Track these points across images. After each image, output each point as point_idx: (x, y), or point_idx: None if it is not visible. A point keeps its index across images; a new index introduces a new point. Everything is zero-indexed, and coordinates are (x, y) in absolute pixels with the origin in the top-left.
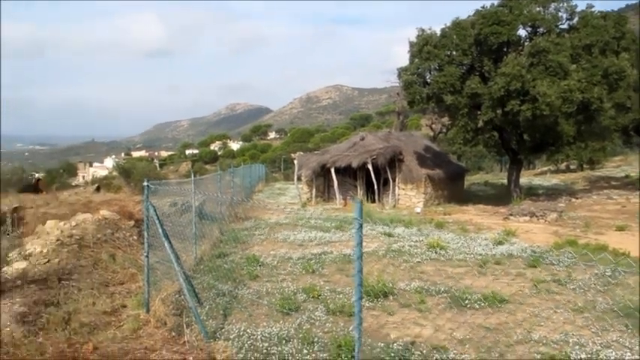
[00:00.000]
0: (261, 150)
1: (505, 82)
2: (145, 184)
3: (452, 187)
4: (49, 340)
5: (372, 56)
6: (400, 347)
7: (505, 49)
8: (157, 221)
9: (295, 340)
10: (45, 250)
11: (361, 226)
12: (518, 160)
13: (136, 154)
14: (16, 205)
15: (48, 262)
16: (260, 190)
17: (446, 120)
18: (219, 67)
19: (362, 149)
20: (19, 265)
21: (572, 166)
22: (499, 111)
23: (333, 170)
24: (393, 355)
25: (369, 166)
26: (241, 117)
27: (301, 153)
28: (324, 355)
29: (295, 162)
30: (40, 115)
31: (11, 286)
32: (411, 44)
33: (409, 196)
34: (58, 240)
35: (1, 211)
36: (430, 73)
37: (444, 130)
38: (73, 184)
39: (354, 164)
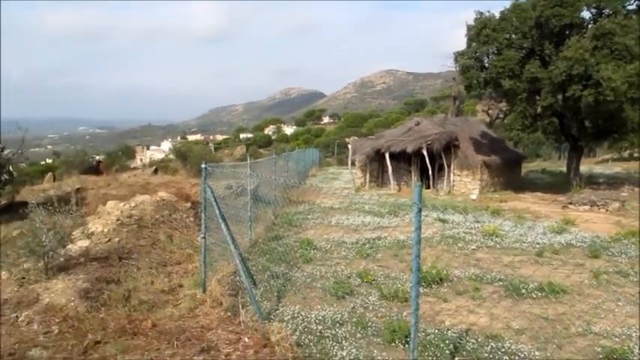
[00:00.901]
0: (315, 134)
1: (567, 67)
2: (203, 166)
3: (508, 174)
4: (111, 315)
5: (428, 40)
6: (455, 335)
7: (567, 32)
8: (214, 203)
9: (349, 324)
10: (106, 230)
11: (420, 210)
12: (578, 147)
13: (191, 137)
14: (79, 186)
15: (109, 241)
16: (313, 174)
17: (503, 105)
18: (273, 51)
19: (417, 134)
20: (82, 244)
21: (635, 154)
22: (560, 96)
23: (387, 155)
24: (447, 342)
25: (424, 152)
26: (295, 101)
27: (355, 138)
28: (378, 339)
29: (349, 147)
30: (100, 99)
31: (75, 263)
32: (469, 27)
33: (464, 183)
34: (118, 220)
35: (65, 191)
36: (488, 57)
37: (501, 116)
38: (132, 166)
39: (409, 149)
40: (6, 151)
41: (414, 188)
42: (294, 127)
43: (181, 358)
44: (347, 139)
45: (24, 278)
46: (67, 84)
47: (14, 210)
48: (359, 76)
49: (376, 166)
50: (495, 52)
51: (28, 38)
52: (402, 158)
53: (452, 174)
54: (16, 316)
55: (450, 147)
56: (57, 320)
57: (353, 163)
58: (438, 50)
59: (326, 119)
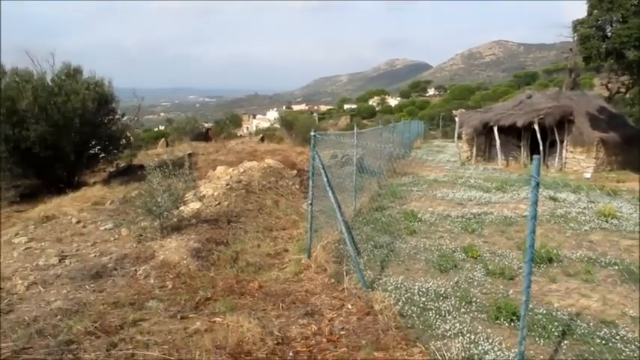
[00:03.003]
0: (420, 106)
1: None
2: (312, 133)
3: (628, 153)
4: (220, 275)
5: (542, 9)
6: (565, 317)
7: None
8: (322, 171)
9: (452, 298)
10: (216, 194)
11: (538, 184)
12: None
13: (296, 107)
14: (190, 152)
15: (218, 204)
16: (418, 146)
17: (625, 79)
18: (379, 21)
19: (528, 108)
20: (194, 206)
21: None
22: None
23: (495, 129)
24: (556, 324)
25: (535, 126)
26: (400, 73)
27: (463, 110)
28: (482, 315)
29: (456, 119)
30: (209, 69)
31: (187, 224)
32: None
33: (577, 160)
34: (227, 184)
35: (177, 156)
36: (611, 25)
37: (623, 90)
38: (238, 134)
39: (519, 123)
40: (124, 118)
41: (532, 161)
42: (399, 98)
43: (286, 319)
44: (454, 112)
45: (141, 235)
46: (178, 55)
47: (132, 172)
48: (467, 46)
49: (483, 139)
50: (620, 19)
51: (142, 11)
52: (511, 132)
53: (564, 150)
54: (135, 270)
55: (564, 122)
56: (171, 276)
57: (459, 136)
58: (553, 19)
59: (431, 91)
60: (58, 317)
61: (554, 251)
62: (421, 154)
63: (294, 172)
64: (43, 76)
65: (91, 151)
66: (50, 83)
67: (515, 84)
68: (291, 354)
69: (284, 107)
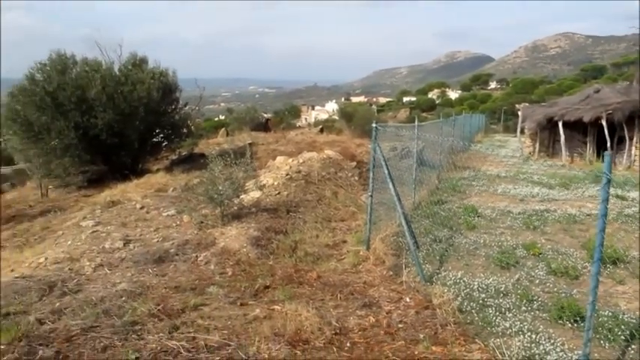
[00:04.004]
0: (481, 100)
1: None
2: (374, 125)
3: None
4: (279, 263)
5: (612, 1)
6: (633, 320)
7: None
8: (383, 163)
9: (513, 296)
10: (276, 183)
11: (609, 181)
12: None
13: (355, 99)
14: (250, 142)
15: (278, 194)
16: (479, 140)
17: None
18: (440, 13)
19: (595, 103)
20: (254, 195)
21: None
22: None
23: (560, 124)
24: (622, 327)
25: (603, 122)
26: (461, 65)
27: (526, 104)
28: (544, 315)
29: (519, 113)
30: (269, 60)
31: (247, 213)
32: None
33: None
34: (287, 174)
35: (237, 145)
36: None
37: None
38: (297, 125)
39: (586, 119)
40: (186, 107)
41: (600, 158)
42: (459, 91)
43: (344, 310)
44: (517, 106)
45: (202, 222)
46: (239, 46)
47: (193, 160)
48: (531, 39)
49: (547, 134)
50: None
51: (205, 3)
52: (576, 128)
53: (633, 147)
54: (196, 256)
55: (634, 118)
56: (231, 263)
57: (522, 131)
58: (624, 10)
59: (493, 84)
60: (123, 298)
61: (622, 252)
62: (482, 149)
63: (354, 163)
64: (111, 66)
65: (154, 139)
66: (117, 73)
67: (581, 78)
68: (348, 344)
69: (343, 99)
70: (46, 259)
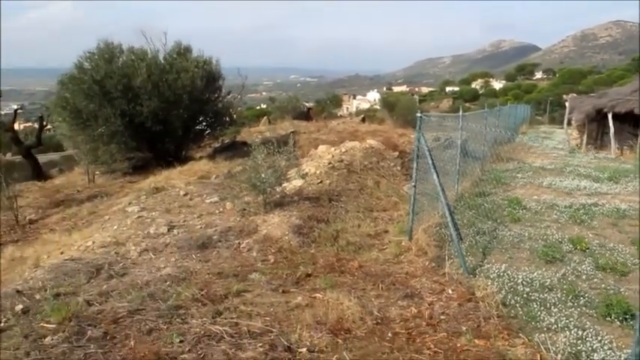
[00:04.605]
0: (526, 90)
1: None
2: (419, 115)
3: None
4: (320, 252)
5: None
6: None
7: None
8: (427, 153)
9: (558, 291)
10: (318, 172)
11: None
12: None
13: (396, 88)
14: (292, 130)
15: (320, 182)
16: (524, 132)
17: None
18: (485, 2)
19: None
20: (296, 183)
21: None
22: None
23: (610, 116)
24: None
25: None
26: (506, 55)
27: (574, 95)
28: (591, 311)
29: (566, 104)
30: (311, 49)
31: (289, 201)
32: None
33: None
34: (329, 163)
35: (279, 134)
36: None
37: None
38: (339, 114)
39: (637, 110)
40: (229, 96)
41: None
42: (504, 81)
43: (386, 300)
44: (564, 96)
45: (245, 210)
46: (281, 35)
47: (236, 148)
48: (579, 28)
49: (595, 126)
50: None
51: None
52: (627, 120)
53: None
54: (239, 243)
55: None
56: (273, 250)
57: (569, 123)
58: None
59: (539, 74)
60: (168, 283)
61: None
62: (527, 140)
63: (396, 153)
64: (156, 55)
65: (197, 127)
66: (162, 61)
67: (632, 68)
68: (390, 335)
69: (384, 88)
70: (93, 242)
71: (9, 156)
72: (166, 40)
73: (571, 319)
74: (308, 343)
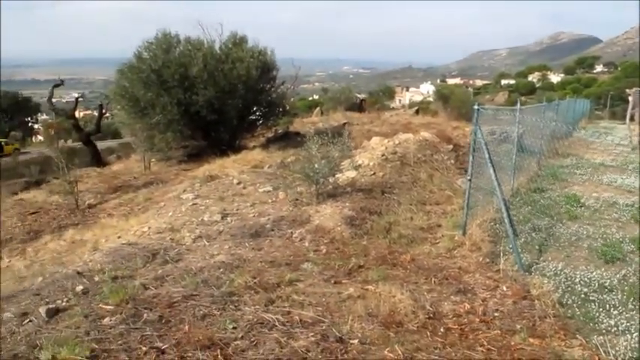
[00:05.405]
0: (585, 84)
1: None
2: (476, 107)
3: None
4: (372, 244)
5: None
6: None
7: None
8: (484, 147)
9: (619, 292)
10: (371, 164)
11: None
12: None
13: (450, 81)
14: (345, 121)
15: (373, 174)
16: (583, 127)
17: None
18: None
19: None
20: (349, 174)
21: None
22: None
23: None
24: None
25: None
26: (565, 47)
27: (637, 89)
28: None
29: (629, 99)
30: (363, 41)
31: (342, 192)
32: None
33: None
34: (382, 155)
35: (332, 125)
36: None
37: None
38: (391, 106)
39: None
40: (283, 86)
41: None
42: (562, 75)
43: (438, 295)
44: (627, 91)
45: (297, 200)
46: (334, 26)
47: (289, 138)
48: None
49: None
50: None
51: None
52: None
53: None
54: (291, 232)
55: None
56: (325, 241)
57: (631, 118)
58: None
59: (599, 68)
60: (221, 270)
61: None
62: (586, 135)
63: (450, 146)
64: (212, 45)
65: (251, 117)
66: (218, 51)
67: None
68: (442, 330)
69: (438, 80)
70: (149, 228)
71: (70, 142)
72: (222, 30)
73: (632, 323)
74: (359, 335)
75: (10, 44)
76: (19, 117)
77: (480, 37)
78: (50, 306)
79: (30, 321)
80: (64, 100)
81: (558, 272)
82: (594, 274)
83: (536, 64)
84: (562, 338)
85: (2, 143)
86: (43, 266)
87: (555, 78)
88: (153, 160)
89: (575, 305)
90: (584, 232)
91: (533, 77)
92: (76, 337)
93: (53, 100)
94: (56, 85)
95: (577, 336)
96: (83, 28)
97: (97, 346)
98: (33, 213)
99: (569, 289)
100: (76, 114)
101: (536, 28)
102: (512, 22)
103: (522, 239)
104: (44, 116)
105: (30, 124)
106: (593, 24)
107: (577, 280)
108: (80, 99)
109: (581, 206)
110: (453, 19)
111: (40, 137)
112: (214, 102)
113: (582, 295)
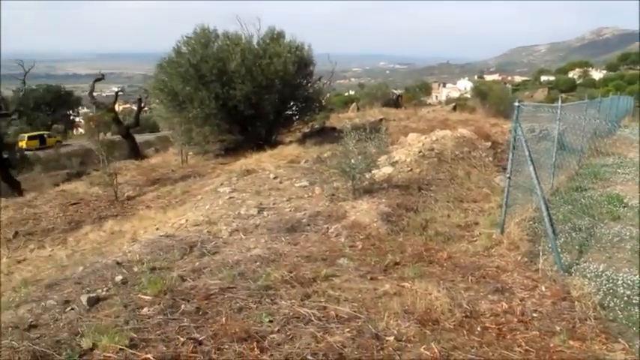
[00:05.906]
0: (629, 81)
1: None
2: (516, 104)
3: None
4: (408, 241)
5: None
6: None
7: None
8: (524, 144)
9: None
10: (408, 160)
11: None
12: None
13: (488, 77)
14: (382, 117)
15: (410, 170)
16: (626, 125)
17: None
18: None
19: None
20: (386, 171)
21: None
22: None
23: None
24: None
25: None
26: (608, 43)
27: None
28: None
29: None
30: (401, 36)
31: (378, 188)
32: None
33: None
34: (419, 152)
35: (368, 120)
36: None
37: None
38: (428, 102)
39: None
40: (319, 81)
41: None
42: (604, 71)
43: (475, 293)
44: None
45: (334, 195)
46: (370, 22)
47: (325, 134)
48: None
49: None
50: None
51: None
52: None
53: None
54: (327, 228)
55: None
56: (361, 237)
57: None
58: None
59: None
60: (257, 263)
61: None
62: (629, 134)
63: (488, 143)
64: (250, 40)
65: (288, 112)
66: (256, 46)
67: None
68: (479, 329)
69: (476, 77)
70: (186, 220)
71: (109, 135)
72: (260, 25)
73: None
74: (395, 332)
75: (50, 39)
76: (61, 110)
77: (519, 33)
78: (91, 295)
79: (72, 309)
80: (104, 94)
81: (599, 274)
82: (638, 276)
83: (577, 60)
84: (603, 342)
85: (45, 136)
86: (83, 256)
87: (597, 74)
88: (190, 153)
89: (617, 308)
90: (627, 234)
91: (573, 74)
92: (115, 326)
93: (94, 93)
94: (97, 80)
95: (619, 340)
96: (120, 26)
97: (135, 336)
98: (74, 204)
99: (611, 291)
100: (116, 107)
101: (578, 23)
102: (553, 18)
103: (562, 239)
104: (85, 109)
105: (71, 117)
106: (637, 19)
107: (619, 282)
108: (120, 93)
109: (624, 206)
110: (490, 17)
111: (81, 130)
112: (251, 97)
113: (625, 298)
